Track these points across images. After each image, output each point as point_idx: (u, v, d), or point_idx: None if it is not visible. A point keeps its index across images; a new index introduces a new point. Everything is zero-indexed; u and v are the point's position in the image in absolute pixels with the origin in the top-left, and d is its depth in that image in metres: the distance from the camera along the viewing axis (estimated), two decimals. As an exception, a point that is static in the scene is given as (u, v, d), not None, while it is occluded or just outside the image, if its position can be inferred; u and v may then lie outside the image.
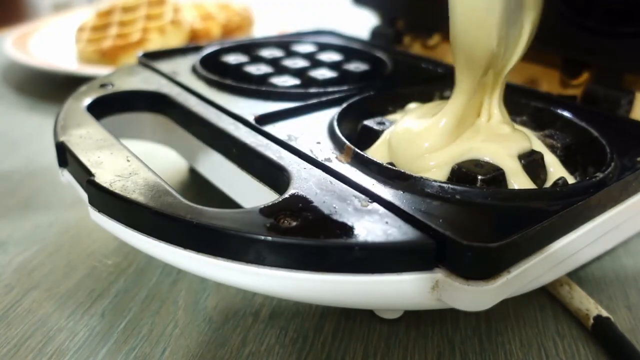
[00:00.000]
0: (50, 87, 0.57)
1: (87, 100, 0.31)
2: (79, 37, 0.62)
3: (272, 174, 0.24)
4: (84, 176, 0.23)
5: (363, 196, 0.22)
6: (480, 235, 0.19)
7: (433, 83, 0.36)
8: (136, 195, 0.21)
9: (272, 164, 0.24)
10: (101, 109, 0.31)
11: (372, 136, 0.28)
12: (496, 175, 0.24)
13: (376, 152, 0.27)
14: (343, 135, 0.26)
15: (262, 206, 0.20)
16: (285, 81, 0.35)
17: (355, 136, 0.29)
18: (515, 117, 0.31)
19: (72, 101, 0.31)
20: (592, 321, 0.25)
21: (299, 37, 0.45)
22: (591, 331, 0.25)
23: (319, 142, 0.26)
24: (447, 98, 0.33)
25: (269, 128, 0.28)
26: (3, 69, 0.63)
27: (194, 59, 0.38)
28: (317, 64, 0.39)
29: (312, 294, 0.20)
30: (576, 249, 0.22)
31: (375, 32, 0.50)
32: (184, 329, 0.25)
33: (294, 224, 0.19)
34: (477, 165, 0.24)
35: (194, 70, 0.36)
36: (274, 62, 0.39)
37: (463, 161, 0.25)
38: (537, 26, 0.26)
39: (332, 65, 0.38)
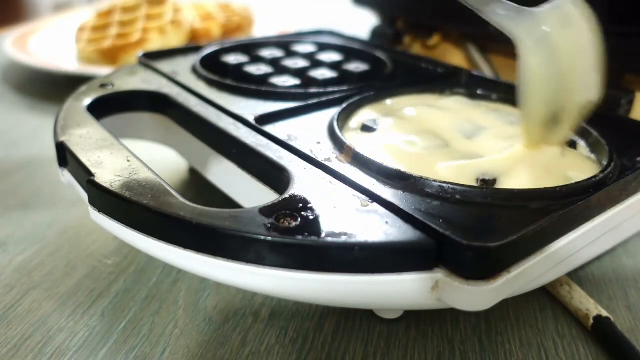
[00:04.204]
0: (50, 87, 0.57)
1: (87, 100, 0.31)
2: (79, 37, 0.62)
3: (272, 174, 0.24)
4: (84, 176, 0.23)
5: (363, 196, 0.22)
6: (480, 235, 0.19)
7: (433, 83, 0.36)
8: (136, 195, 0.21)
9: (272, 164, 0.24)
10: (101, 109, 0.31)
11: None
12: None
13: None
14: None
15: (262, 206, 0.20)
16: (285, 81, 0.35)
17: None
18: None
19: (72, 101, 0.31)
20: (592, 321, 0.25)
21: (299, 37, 0.45)
22: (591, 331, 0.25)
23: (319, 142, 0.26)
24: (447, 97, 0.34)
25: (269, 128, 0.28)
26: (3, 69, 0.63)
27: (194, 59, 0.38)
28: (317, 64, 0.39)
29: (312, 294, 0.20)
30: (576, 249, 0.22)
31: (375, 32, 0.51)
32: (184, 329, 0.25)
33: (294, 224, 0.19)
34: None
35: (194, 70, 0.36)
36: (274, 62, 0.39)
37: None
38: None
39: (332, 65, 0.38)
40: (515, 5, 0.26)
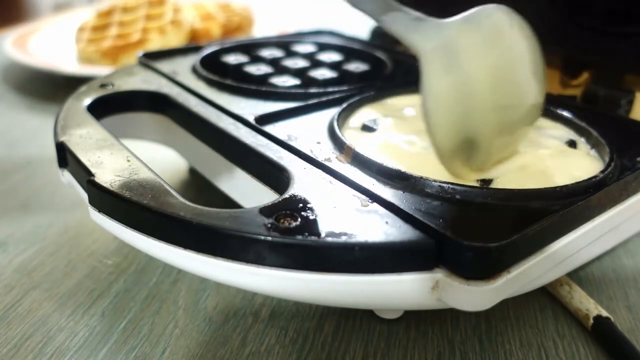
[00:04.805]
0: (50, 87, 0.57)
1: (87, 100, 0.31)
2: (79, 37, 0.62)
3: (272, 174, 0.24)
4: (84, 176, 0.23)
5: (363, 196, 0.22)
6: (480, 235, 0.19)
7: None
8: (136, 195, 0.21)
9: (272, 164, 0.24)
10: (101, 109, 0.31)
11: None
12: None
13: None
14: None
15: (262, 206, 0.20)
16: (285, 81, 0.35)
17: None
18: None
19: (72, 101, 0.31)
20: (592, 321, 0.25)
21: (299, 37, 0.45)
22: (591, 331, 0.25)
23: (319, 142, 0.26)
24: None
25: (269, 128, 0.28)
26: (3, 69, 0.63)
27: (194, 59, 0.38)
28: (317, 64, 0.39)
29: (312, 294, 0.20)
30: (576, 249, 0.22)
31: (375, 32, 0.50)
32: (184, 329, 0.25)
33: (294, 224, 0.19)
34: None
35: (194, 70, 0.36)
36: (274, 62, 0.39)
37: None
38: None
39: (332, 65, 0.38)
40: (419, 14, 0.22)
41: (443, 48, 0.21)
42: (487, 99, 0.22)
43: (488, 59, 0.22)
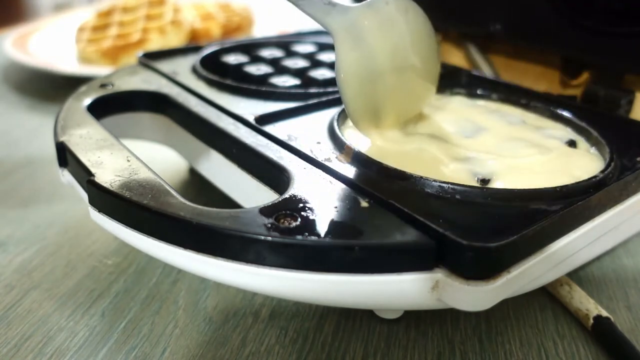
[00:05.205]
0: (50, 87, 0.57)
1: (87, 100, 0.31)
2: (79, 37, 0.62)
3: (272, 174, 0.24)
4: (84, 176, 0.23)
5: (363, 196, 0.22)
6: (480, 235, 0.19)
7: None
8: (136, 195, 0.21)
9: (272, 164, 0.24)
10: (101, 109, 0.31)
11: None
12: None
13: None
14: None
15: (262, 206, 0.20)
16: (285, 81, 0.35)
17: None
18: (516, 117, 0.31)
19: (72, 101, 0.31)
20: (592, 321, 0.25)
21: (299, 37, 0.45)
22: (591, 331, 0.25)
23: (319, 142, 0.26)
24: (447, 97, 0.34)
25: (269, 128, 0.28)
26: (3, 69, 0.63)
27: (194, 59, 0.38)
28: (317, 64, 0.39)
29: (312, 294, 0.20)
30: (576, 249, 0.22)
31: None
32: (184, 329, 0.25)
33: (294, 224, 0.19)
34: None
35: (194, 70, 0.36)
36: (274, 62, 0.39)
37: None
38: None
39: (332, 65, 0.38)
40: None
41: (350, 28, 0.26)
42: (387, 69, 0.27)
43: (386, 35, 0.26)
